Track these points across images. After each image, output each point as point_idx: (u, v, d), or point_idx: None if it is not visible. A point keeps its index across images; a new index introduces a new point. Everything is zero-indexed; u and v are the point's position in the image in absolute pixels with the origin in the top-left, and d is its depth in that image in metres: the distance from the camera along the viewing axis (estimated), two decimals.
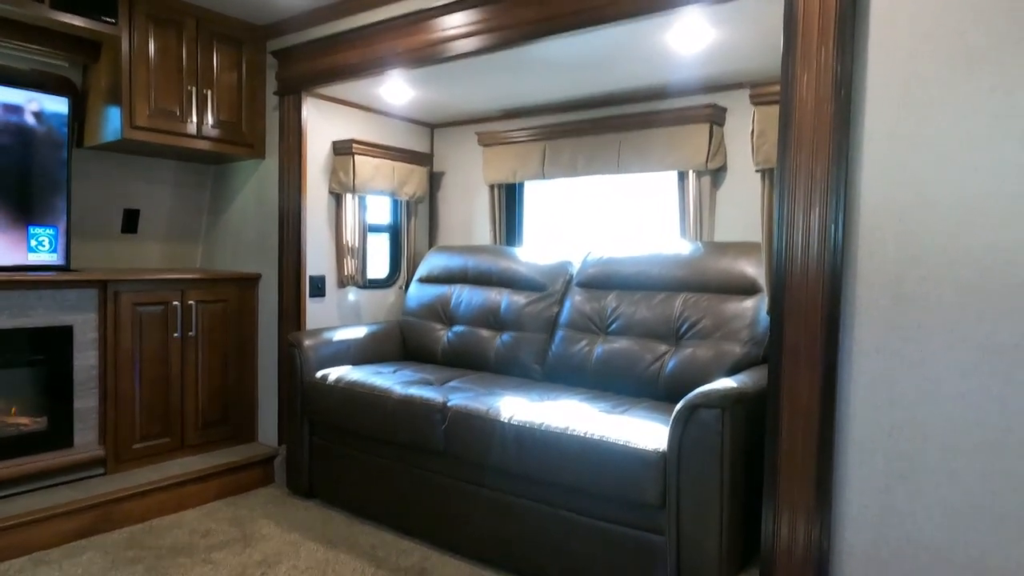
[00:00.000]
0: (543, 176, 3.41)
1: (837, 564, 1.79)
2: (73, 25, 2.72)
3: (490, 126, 3.69)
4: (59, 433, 2.83)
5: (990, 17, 1.57)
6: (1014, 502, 1.56)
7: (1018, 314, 1.55)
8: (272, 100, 3.39)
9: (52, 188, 2.90)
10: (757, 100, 2.26)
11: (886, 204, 1.71)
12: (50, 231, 2.90)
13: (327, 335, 3.18)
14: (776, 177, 1.86)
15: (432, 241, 4.05)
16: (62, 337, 2.81)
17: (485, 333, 3.24)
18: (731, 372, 2.37)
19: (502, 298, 3.25)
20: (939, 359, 1.64)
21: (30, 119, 2.84)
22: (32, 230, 2.85)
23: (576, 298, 3.01)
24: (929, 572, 1.67)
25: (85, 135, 3.11)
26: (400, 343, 3.50)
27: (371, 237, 3.67)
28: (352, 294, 3.59)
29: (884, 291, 1.71)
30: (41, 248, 2.88)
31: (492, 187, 3.63)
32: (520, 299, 3.18)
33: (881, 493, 1.73)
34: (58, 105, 2.92)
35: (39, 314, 2.73)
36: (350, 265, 3.47)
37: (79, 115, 3.11)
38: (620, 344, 2.76)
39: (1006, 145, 1.56)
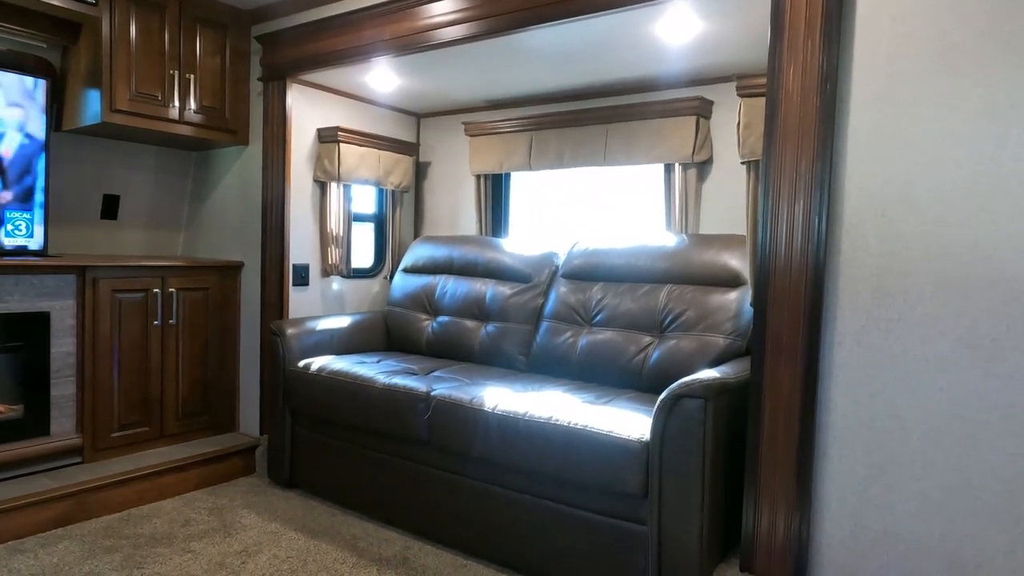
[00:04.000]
0: (529, 167, 3.40)
1: (816, 554, 1.81)
2: (53, 5, 2.67)
3: (477, 116, 3.68)
4: (35, 421, 2.78)
5: (971, 16, 1.59)
6: (990, 494, 1.59)
7: (996, 309, 1.57)
8: (256, 86, 3.35)
9: (29, 172, 2.85)
10: (744, 92, 2.26)
11: (868, 198, 1.72)
12: (27, 215, 2.85)
13: (310, 324, 3.15)
14: (761, 170, 1.86)
15: (417, 231, 4.03)
16: (39, 323, 2.76)
17: (470, 324, 3.23)
18: (714, 363, 2.38)
19: (487, 289, 3.24)
20: (918, 352, 1.66)
21: (6, 101, 2.78)
22: (8, 214, 2.79)
23: (561, 289, 3.01)
24: (906, 562, 1.69)
25: (64, 118, 3.05)
26: (384, 333, 3.49)
27: (356, 226, 3.64)
28: (336, 283, 3.57)
29: (865, 284, 1.73)
30: (17, 232, 2.82)
31: (478, 177, 3.62)
32: (505, 290, 3.18)
33: (860, 484, 1.75)
34: (36, 87, 2.86)
35: (15, 300, 2.68)
36: (334, 254, 3.45)
37: (58, 98, 3.05)
38: (604, 335, 2.76)
39: (985, 142, 1.58)
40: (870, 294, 1.72)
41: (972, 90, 1.59)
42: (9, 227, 2.80)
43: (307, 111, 3.34)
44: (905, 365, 1.68)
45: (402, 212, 3.86)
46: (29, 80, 2.85)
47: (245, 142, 3.39)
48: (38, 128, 2.87)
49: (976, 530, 1.61)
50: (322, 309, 3.48)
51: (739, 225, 2.76)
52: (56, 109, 3.05)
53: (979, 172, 1.59)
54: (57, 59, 3.06)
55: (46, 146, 2.89)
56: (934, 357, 1.65)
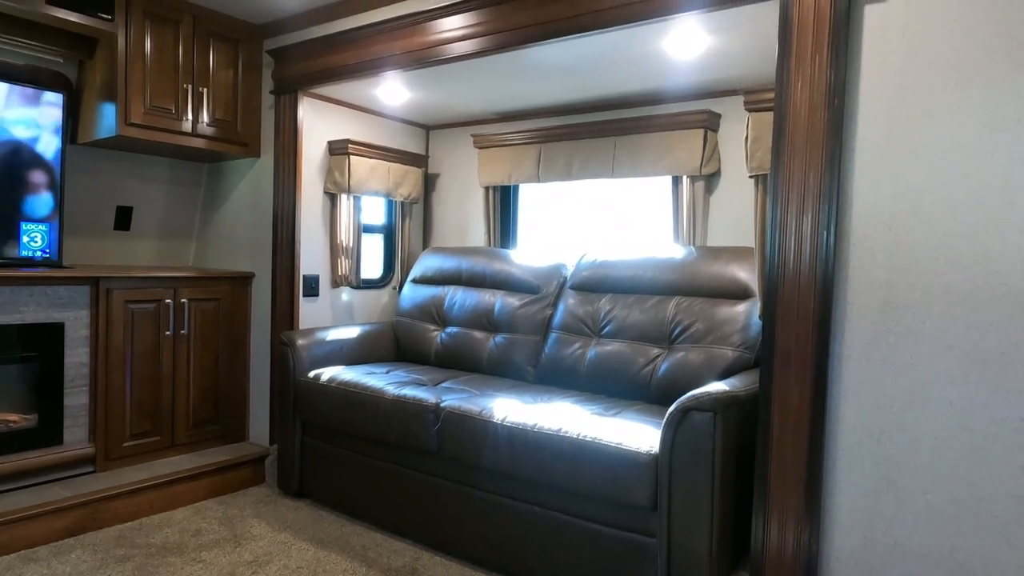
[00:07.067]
0: (538, 179, 3.42)
1: (825, 567, 1.81)
2: (69, 21, 2.72)
3: (485, 128, 3.71)
4: (49, 430, 2.81)
5: (980, 31, 1.60)
6: (1000, 508, 1.59)
7: (1005, 322, 1.57)
8: (268, 99, 3.39)
9: (45, 184, 2.89)
10: (751, 107, 2.28)
11: (876, 212, 1.73)
12: (43, 227, 2.89)
13: (320, 335, 3.18)
14: (769, 183, 1.88)
15: (426, 242, 4.05)
16: (53, 334, 2.79)
17: (478, 335, 3.25)
18: (723, 376, 2.39)
19: (496, 300, 3.26)
20: (927, 365, 1.67)
21: (24, 114, 2.83)
22: (24, 226, 2.84)
23: (570, 301, 3.03)
24: (915, 575, 1.69)
25: (79, 131, 3.10)
26: (393, 344, 3.51)
27: (365, 237, 3.67)
28: (346, 294, 3.59)
29: (874, 297, 1.73)
30: (33, 244, 2.86)
31: (487, 189, 3.64)
32: (514, 301, 3.19)
33: (869, 497, 1.75)
34: (53, 100, 2.91)
35: (30, 310, 2.72)
36: (344, 265, 3.47)
37: (73, 111, 3.10)
38: (613, 347, 2.77)
39: (994, 156, 1.59)
40: (878, 307, 1.73)
41: (981, 104, 1.60)
42: (25, 239, 2.84)
43: (318, 124, 3.38)
44: (914, 378, 1.68)
45: (411, 223, 3.89)
46: (46, 94, 2.89)
47: (256, 154, 3.43)
48: (54, 141, 2.91)
49: (985, 544, 1.60)
50: (332, 320, 3.50)
51: (747, 237, 2.77)
52: (72, 122, 3.09)
53: (988, 186, 1.60)
54: (73, 73, 3.11)
55: (62, 158, 2.94)
56: (943, 370, 1.65)
